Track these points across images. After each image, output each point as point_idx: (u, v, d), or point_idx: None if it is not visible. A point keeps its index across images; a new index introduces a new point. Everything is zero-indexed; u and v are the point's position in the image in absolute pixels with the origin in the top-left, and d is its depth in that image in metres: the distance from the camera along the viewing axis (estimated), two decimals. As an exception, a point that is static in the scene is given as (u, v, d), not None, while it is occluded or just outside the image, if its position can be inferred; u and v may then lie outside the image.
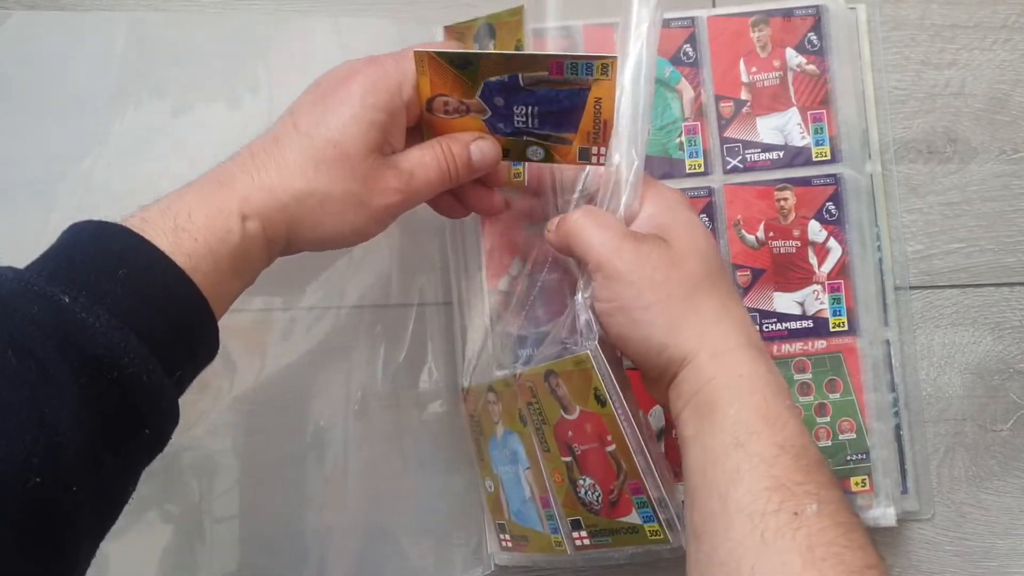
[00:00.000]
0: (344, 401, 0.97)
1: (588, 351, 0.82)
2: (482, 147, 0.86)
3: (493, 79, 0.81)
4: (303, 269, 0.95)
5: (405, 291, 0.99)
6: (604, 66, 0.78)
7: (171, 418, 0.67)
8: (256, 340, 0.96)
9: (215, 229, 0.70)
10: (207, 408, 0.95)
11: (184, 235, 0.68)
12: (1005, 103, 1.04)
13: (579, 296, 0.83)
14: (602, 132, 0.83)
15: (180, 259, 0.67)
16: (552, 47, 0.97)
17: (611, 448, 0.84)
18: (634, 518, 0.86)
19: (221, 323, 0.72)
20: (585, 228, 0.81)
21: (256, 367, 0.96)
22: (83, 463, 0.60)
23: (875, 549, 0.67)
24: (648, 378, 0.82)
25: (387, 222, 0.83)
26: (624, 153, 0.82)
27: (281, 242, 0.77)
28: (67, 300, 0.61)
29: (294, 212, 0.76)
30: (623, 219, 0.82)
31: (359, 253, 0.98)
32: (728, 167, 0.99)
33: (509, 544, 0.98)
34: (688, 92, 0.99)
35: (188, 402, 0.69)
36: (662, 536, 0.84)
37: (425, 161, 0.84)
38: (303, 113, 0.79)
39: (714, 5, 1.02)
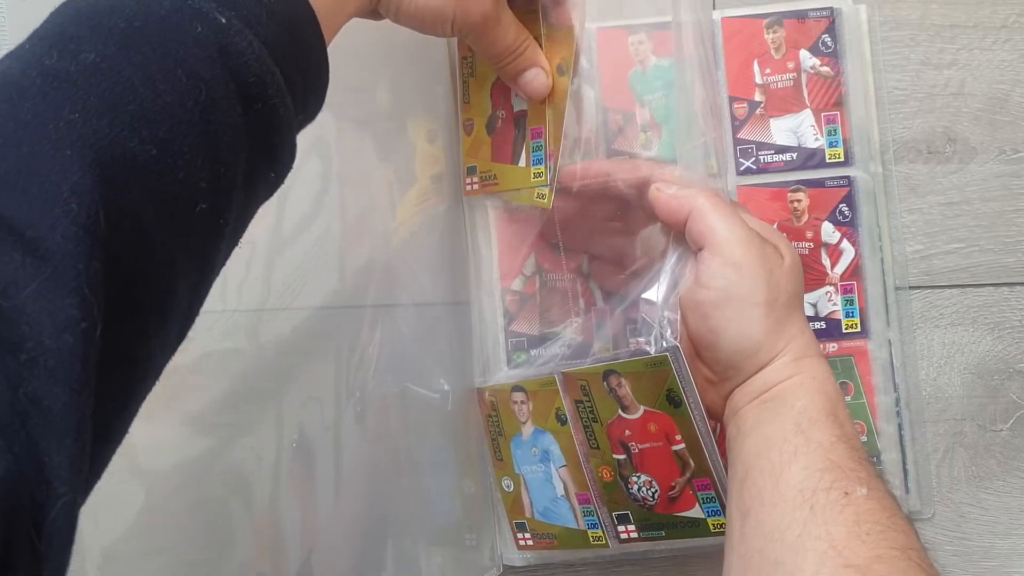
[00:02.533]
0: (348, 402, 0.95)
1: (668, 353, 0.82)
2: (537, 77, 0.89)
3: None
4: (304, 265, 0.93)
5: (415, 290, 0.97)
6: None
7: (290, 164, 0.66)
8: (250, 337, 0.94)
9: None
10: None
11: None
12: (1005, 103, 1.04)
13: (656, 295, 0.84)
14: None
15: None
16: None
17: (679, 447, 0.85)
18: (697, 512, 0.87)
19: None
20: (714, 209, 0.81)
21: (248, 366, 0.94)
22: (232, 193, 0.60)
23: (917, 537, 0.70)
24: (715, 377, 0.83)
25: (446, 30, 0.82)
26: (720, 158, 0.85)
27: None
28: (223, 21, 0.58)
29: None
30: None
31: (366, 251, 0.96)
32: (741, 168, 0.98)
33: (529, 543, 0.97)
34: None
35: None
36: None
37: (511, 26, 0.86)
38: None
39: (714, 7, 1.02)
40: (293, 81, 0.63)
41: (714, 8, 1.02)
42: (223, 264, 0.63)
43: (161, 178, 0.54)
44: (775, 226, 0.97)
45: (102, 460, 0.53)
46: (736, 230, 0.80)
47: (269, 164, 0.63)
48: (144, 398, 0.57)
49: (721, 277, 0.79)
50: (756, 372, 0.79)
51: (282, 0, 0.62)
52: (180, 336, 0.60)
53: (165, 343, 0.58)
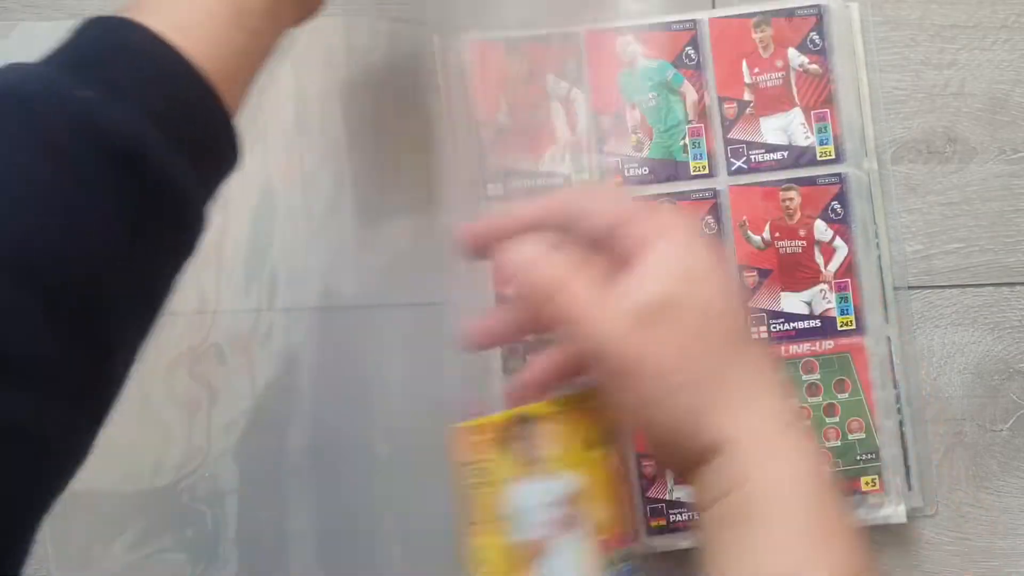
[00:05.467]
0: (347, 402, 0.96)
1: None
2: None
3: None
4: (293, 269, 0.94)
5: (411, 291, 0.98)
6: None
7: (199, 227, 0.66)
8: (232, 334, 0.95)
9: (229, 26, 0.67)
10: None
11: (195, 32, 0.64)
12: (1005, 103, 1.04)
13: None
14: None
15: (197, 59, 0.63)
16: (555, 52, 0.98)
17: None
18: None
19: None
20: (571, 297, 0.67)
21: (250, 368, 0.95)
22: (114, 256, 0.59)
23: None
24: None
25: None
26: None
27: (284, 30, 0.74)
28: (92, 95, 0.59)
29: None
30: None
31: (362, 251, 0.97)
32: (733, 168, 0.98)
33: None
34: (691, 94, 0.99)
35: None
36: None
37: None
38: None
39: (714, 7, 1.02)
40: (180, 144, 0.62)
41: (713, 7, 1.02)
42: (148, 327, 0.64)
43: (59, 262, 0.56)
44: (768, 224, 0.98)
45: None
46: (608, 328, 0.66)
47: (171, 230, 0.63)
48: None
49: (615, 388, 0.68)
50: (710, 460, 0.66)
51: (162, 71, 0.63)
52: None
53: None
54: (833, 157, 0.98)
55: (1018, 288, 1.03)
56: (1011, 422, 1.02)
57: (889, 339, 1.00)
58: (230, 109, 0.66)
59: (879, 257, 1.00)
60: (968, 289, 1.03)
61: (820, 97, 0.99)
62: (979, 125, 1.04)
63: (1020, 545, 1.01)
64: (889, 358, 0.99)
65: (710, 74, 0.99)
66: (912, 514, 1.00)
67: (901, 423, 0.99)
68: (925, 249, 1.02)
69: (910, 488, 0.99)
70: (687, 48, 0.99)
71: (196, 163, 0.64)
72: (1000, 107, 1.04)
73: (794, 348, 0.97)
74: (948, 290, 1.02)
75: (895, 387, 0.99)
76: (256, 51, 0.71)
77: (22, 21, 0.93)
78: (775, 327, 0.97)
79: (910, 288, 1.02)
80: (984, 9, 1.05)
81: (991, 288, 1.03)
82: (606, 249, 0.69)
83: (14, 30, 0.91)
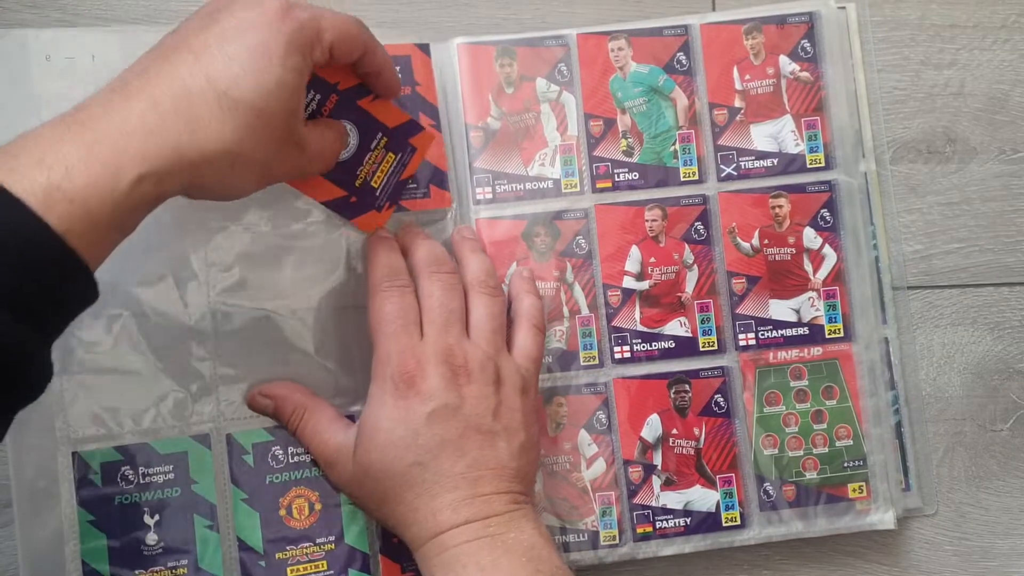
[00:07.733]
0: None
1: None
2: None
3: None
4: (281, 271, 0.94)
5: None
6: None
7: (42, 379, 0.66)
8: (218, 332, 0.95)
9: (99, 190, 0.64)
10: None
11: (58, 196, 0.62)
12: (1005, 103, 1.04)
13: None
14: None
15: (51, 220, 0.61)
16: (545, 56, 0.98)
17: None
18: None
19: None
20: (313, 431, 0.89)
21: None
22: None
23: None
24: None
25: (267, 186, 0.79)
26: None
27: (172, 196, 0.70)
28: None
29: (200, 172, 0.70)
30: None
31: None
32: (722, 175, 0.99)
33: None
34: (682, 100, 0.99)
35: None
36: None
37: (328, 139, 0.84)
38: (214, 63, 0.70)
39: (714, 8, 1.02)
40: (29, 305, 0.62)
41: (713, 9, 1.02)
42: None
43: None
44: (757, 231, 0.98)
45: None
46: (322, 458, 0.90)
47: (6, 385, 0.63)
48: None
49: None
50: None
51: (10, 236, 0.61)
52: None
53: None
54: (823, 164, 0.98)
55: (1018, 288, 1.03)
56: (1011, 422, 1.02)
57: (886, 340, 1.00)
58: (83, 244, 0.64)
59: (877, 258, 1.00)
60: (968, 289, 1.03)
61: (811, 104, 0.99)
62: (979, 125, 1.04)
63: (1019, 545, 1.01)
64: (885, 359, 0.99)
65: (701, 80, 0.99)
66: (911, 514, 1.00)
67: (899, 424, 0.99)
68: (925, 249, 1.02)
69: (908, 488, 0.99)
70: (678, 54, 0.99)
71: (45, 325, 0.65)
72: (1000, 107, 1.04)
73: (782, 354, 0.98)
74: (948, 290, 1.03)
75: (892, 388, 0.99)
76: (123, 237, 0.70)
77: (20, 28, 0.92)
78: (763, 334, 0.97)
79: (910, 288, 1.02)
80: (984, 9, 1.04)
81: (991, 288, 1.03)
82: None
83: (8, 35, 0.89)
